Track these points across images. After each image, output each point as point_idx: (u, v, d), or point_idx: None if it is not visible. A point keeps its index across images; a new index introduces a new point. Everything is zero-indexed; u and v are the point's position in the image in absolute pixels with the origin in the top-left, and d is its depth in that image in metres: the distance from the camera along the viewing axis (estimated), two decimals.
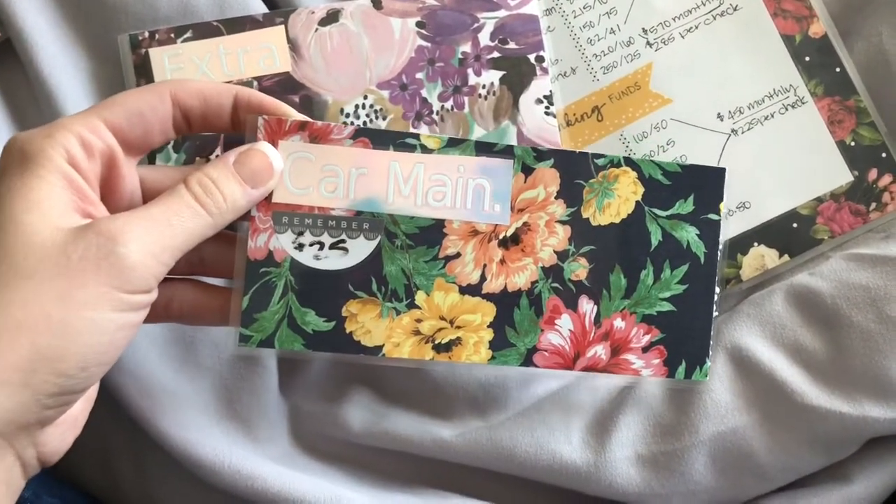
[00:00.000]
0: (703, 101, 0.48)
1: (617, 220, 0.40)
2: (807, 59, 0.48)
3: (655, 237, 0.40)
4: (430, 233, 0.39)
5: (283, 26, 0.47)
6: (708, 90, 0.48)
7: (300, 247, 0.38)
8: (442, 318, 0.40)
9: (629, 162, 0.40)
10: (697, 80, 0.49)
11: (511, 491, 0.46)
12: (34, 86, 0.46)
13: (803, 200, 0.48)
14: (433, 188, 0.39)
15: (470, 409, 0.46)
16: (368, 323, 0.39)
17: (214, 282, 0.40)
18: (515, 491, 0.46)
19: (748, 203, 0.48)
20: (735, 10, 0.49)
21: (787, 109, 0.48)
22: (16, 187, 0.32)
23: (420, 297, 0.39)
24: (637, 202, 0.40)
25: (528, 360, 0.40)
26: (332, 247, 0.39)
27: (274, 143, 0.38)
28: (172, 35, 0.46)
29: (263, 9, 0.48)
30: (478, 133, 0.47)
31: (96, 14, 0.47)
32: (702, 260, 0.41)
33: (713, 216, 0.41)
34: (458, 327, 0.40)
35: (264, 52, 0.47)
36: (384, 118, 0.47)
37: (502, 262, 0.40)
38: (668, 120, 0.48)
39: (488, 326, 0.40)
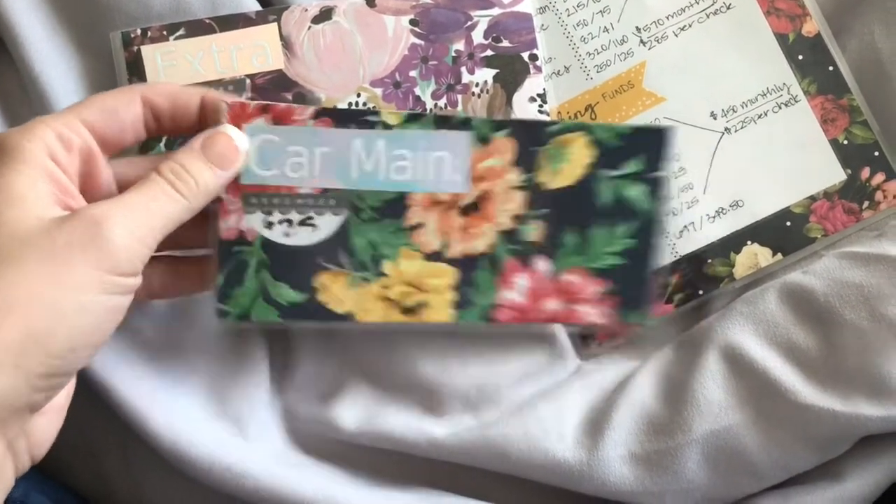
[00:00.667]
0: (696, 99, 0.48)
1: (570, 183, 0.42)
2: (800, 57, 0.48)
3: (606, 196, 0.42)
4: (395, 205, 0.41)
5: (276, 24, 0.47)
6: (701, 88, 0.48)
7: (269, 225, 0.40)
8: (408, 284, 0.42)
9: (581, 126, 0.42)
10: (691, 79, 0.49)
11: (505, 490, 0.46)
12: (26, 83, 0.46)
13: (796, 199, 0.48)
14: (395, 162, 0.41)
15: (463, 407, 0.46)
16: (339, 292, 0.41)
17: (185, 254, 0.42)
18: (509, 490, 0.46)
19: (741, 201, 0.48)
20: (728, 8, 0.49)
21: (780, 108, 0.48)
22: None
23: (387, 265, 0.42)
24: (589, 164, 0.42)
25: (488, 317, 0.43)
26: (301, 224, 0.40)
27: (238, 127, 0.39)
28: (165, 33, 0.46)
29: (256, 6, 0.48)
30: None
31: (88, 12, 0.46)
32: (650, 215, 0.43)
33: (661, 173, 0.43)
34: (424, 291, 0.42)
35: (257, 49, 0.46)
36: None
37: (463, 228, 0.42)
38: (661, 118, 0.48)
39: (452, 289, 0.42)
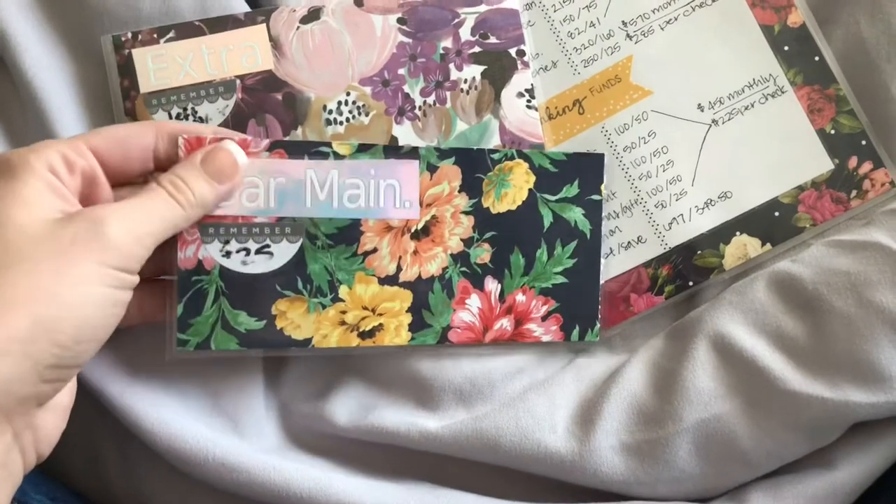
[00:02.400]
0: (683, 92, 0.49)
1: (513, 207, 0.45)
2: (786, 48, 0.49)
3: (547, 219, 0.45)
4: (349, 232, 0.43)
5: (264, 25, 0.47)
6: (688, 81, 0.49)
7: (227, 254, 0.41)
8: (364, 308, 0.43)
9: (521, 154, 0.45)
10: (677, 72, 0.49)
11: (498, 482, 0.46)
12: (18, 87, 0.47)
13: (784, 189, 0.48)
14: (348, 191, 0.43)
15: (456, 401, 0.46)
16: (297, 318, 0.43)
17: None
18: (502, 482, 0.46)
19: (730, 193, 0.48)
20: (713, 1, 0.49)
21: (766, 99, 0.48)
22: (4, 191, 0.34)
23: (343, 290, 0.43)
24: (530, 190, 0.45)
25: (443, 338, 0.45)
26: (258, 252, 0.42)
27: None
28: (155, 35, 0.46)
29: (245, 8, 0.48)
30: (461, 127, 0.48)
31: (79, 16, 0.47)
32: (588, 236, 0.46)
33: (595, 197, 0.46)
34: (380, 314, 0.44)
35: (247, 50, 0.47)
36: (367, 114, 0.47)
37: (415, 252, 0.44)
38: (648, 112, 0.49)
39: (407, 311, 0.44)
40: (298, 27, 0.47)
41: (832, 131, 0.48)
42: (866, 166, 0.48)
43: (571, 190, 0.46)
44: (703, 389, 0.43)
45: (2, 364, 0.31)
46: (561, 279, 0.46)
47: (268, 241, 0.42)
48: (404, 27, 0.48)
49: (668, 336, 0.47)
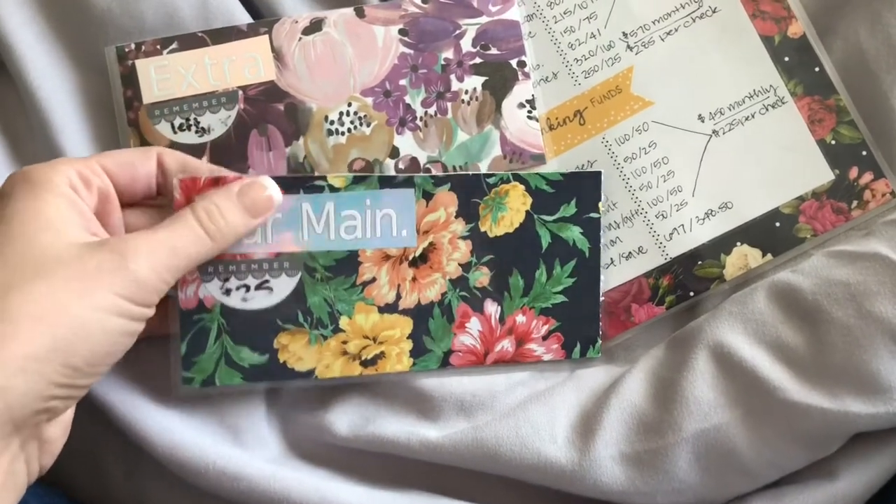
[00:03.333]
0: (684, 102, 0.49)
1: (511, 230, 0.45)
2: (786, 59, 0.49)
3: (545, 240, 0.46)
4: (347, 263, 0.43)
5: (267, 36, 0.47)
6: (689, 92, 0.49)
7: (227, 292, 0.42)
8: (365, 337, 0.44)
9: (517, 177, 0.45)
10: (678, 83, 0.49)
11: (498, 492, 0.46)
12: (23, 98, 0.47)
13: (785, 199, 0.48)
14: (345, 223, 0.43)
15: (457, 411, 0.46)
16: (299, 351, 0.43)
17: None
18: (503, 492, 0.46)
19: (730, 203, 0.48)
20: (714, 12, 0.49)
21: (767, 109, 0.49)
22: (26, 209, 0.35)
23: (343, 321, 0.44)
24: (527, 212, 0.45)
25: (445, 362, 0.45)
26: (258, 288, 0.42)
27: (190, 200, 0.40)
28: (158, 46, 0.47)
29: (248, 19, 0.49)
30: (461, 138, 0.48)
31: (83, 27, 0.47)
32: (587, 254, 0.46)
33: (593, 215, 0.46)
34: (381, 343, 0.44)
35: (249, 61, 0.47)
36: (368, 125, 0.47)
37: (414, 279, 0.44)
38: (649, 122, 0.49)
39: (408, 338, 0.45)
40: (300, 38, 0.48)
41: (833, 142, 0.48)
42: (867, 177, 0.48)
43: (569, 209, 0.46)
44: (702, 400, 0.43)
45: (19, 380, 0.31)
46: (561, 298, 0.46)
47: (267, 277, 0.42)
48: (406, 38, 0.48)
49: (668, 346, 0.47)
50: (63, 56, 0.48)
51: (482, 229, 0.45)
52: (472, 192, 0.45)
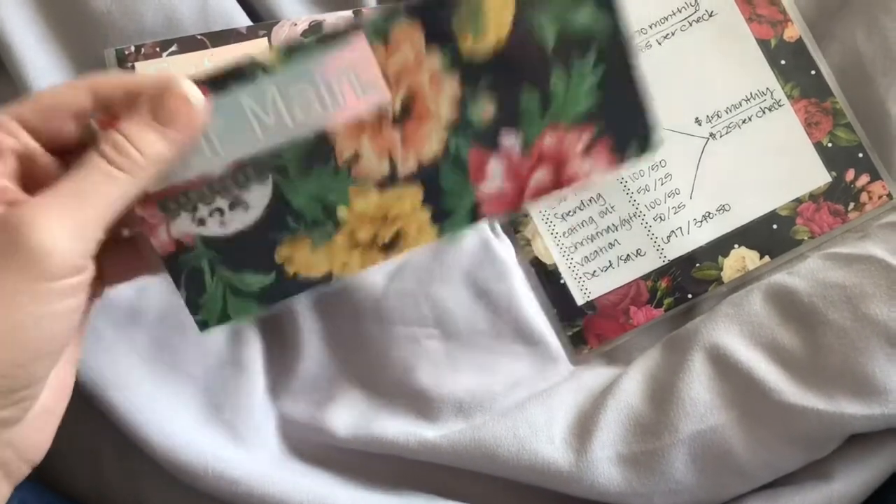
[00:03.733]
0: (681, 106, 0.49)
1: (502, 38, 0.36)
2: (782, 62, 0.49)
3: (549, 37, 0.36)
4: (317, 147, 0.36)
5: (266, 38, 0.48)
6: (686, 95, 0.49)
7: (202, 222, 0.36)
8: (373, 221, 0.38)
9: None
10: (675, 86, 0.49)
11: (496, 493, 0.46)
12: (22, 98, 0.47)
13: (783, 202, 0.48)
14: (297, 102, 0.35)
15: (455, 412, 0.46)
16: (306, 258, 0.37)
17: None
18: (501, 493, 0.46)
19: (728, 205, 0.48)
20: (711, 16, 0.49)
21: (764, 112, 0.49)
22: None
23: (342, 211, 0.37)
24: (515, 8, 0.35)
25: (473, 218, 0.38)
26: (231, 208, 0.36)
27: None
28: (158, 49, 0.47)
29: (247, 21, 0.49)
30: None
31: (83, 29, 0.48)
32: (609, 32, 0.36)
33: None
34: (393, 221, 0.38)
35: None
36: None
37: (405, 141, 0.37)
38: None
39: (422, 206, 0.38)
40: None
41: (829, 144, 0.48)
42: (863, 179, 0.48)
43: None
44: (699, 401, 0.44)
45: None
46: (592, 98, 0.37)
47: (236, 192, 0.36)
48: None
49: (665, 347, 0.47)
50: (63, 57, 0.48)
51: (465, 51, 0.35)
52: (437, 11, 0.35)
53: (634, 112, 0.38)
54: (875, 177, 0.48)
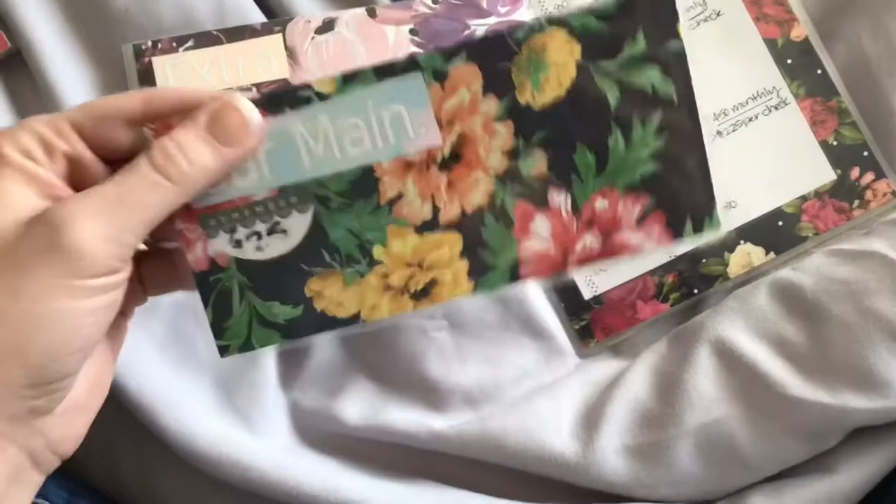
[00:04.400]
0: None
1: (562, 93, 0.35)
2: (789, 61, 0.50)
3: (612, 94, 0.35)
4: (363, 182, 0.35)
5: (280, 35, 0.48)
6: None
7: (238, 243, 0.36)
8: (409, 265, 0.36)
9: (554, 21, 0.34)
10: None
11: (504, 483, 0.47)
12: (42, 95, 0.48)
13: (788, 199, 0.49)
14: (347, 134, 0.35)
15: (464, 403, 0.47)
16: (336, 295, 0.36)
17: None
18: (508, 483, 0.47)
19: (734, 202, 0.49)
20: (718, 15, 0.50)
21: (770, 111, 0.49)
22: None
23: (377, 251, 0.36)
24: (577, 63, 0.34)
25: (513, 277, 0.36)
26: (269, 233, 0.36)
27: None
28: (174, 44, 0.48)
29: (262, 18, 0.50)
30: None
31: (101, 25, 0.48)
32: (675, 99, 0.35)
33: (674, 43, 0.35)
34: (429, 268, 0.36)
35: (263, 59, 0.48)
36: None
37: (450, 185, 0.35)
38: None
39: (461, 256, 0.36)
40: (313, 37, 0.49)
41: (834, 142, 0.49)
42: (868, 177, 0.49)
43: (636, 46, 0.34)
44: (704, 393, 0.44)
45: None
46: (650, 166, 0.35)
47: (276, 218, 0.35)
48: (416, 38, 0.49)
49: (671, 341, 0.48)
50: (82, 54, 0.49)
51: (522, 102, 0.34)
52: (497, 55, 0.34)
53: (694, 188, 0.36)
54: (880, 175, 0.49)
